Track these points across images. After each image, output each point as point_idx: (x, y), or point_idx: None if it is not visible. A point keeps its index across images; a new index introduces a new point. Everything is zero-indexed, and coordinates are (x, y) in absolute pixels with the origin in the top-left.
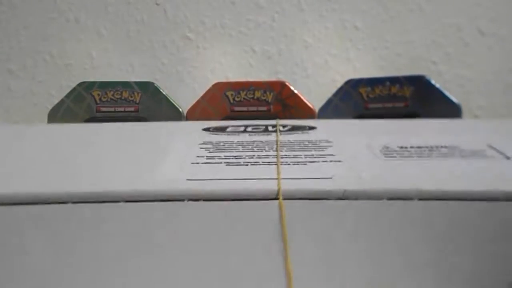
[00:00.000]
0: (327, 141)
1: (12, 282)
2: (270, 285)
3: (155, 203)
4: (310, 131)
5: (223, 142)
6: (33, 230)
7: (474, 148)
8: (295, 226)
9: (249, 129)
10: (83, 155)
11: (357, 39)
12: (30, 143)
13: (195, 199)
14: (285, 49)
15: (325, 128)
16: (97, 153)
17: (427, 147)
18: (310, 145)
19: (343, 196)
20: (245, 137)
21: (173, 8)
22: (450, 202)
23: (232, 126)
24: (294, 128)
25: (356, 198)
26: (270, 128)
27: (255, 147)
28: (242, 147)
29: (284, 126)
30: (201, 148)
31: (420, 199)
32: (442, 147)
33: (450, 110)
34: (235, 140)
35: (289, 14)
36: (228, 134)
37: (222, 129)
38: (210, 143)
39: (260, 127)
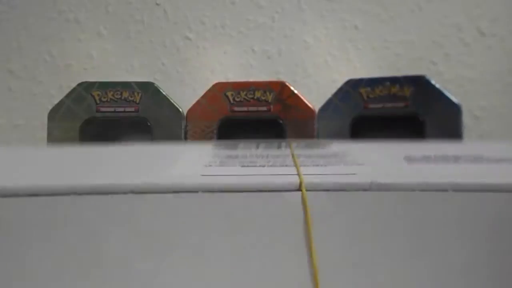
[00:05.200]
0: (345, 152)
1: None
2: (296, 277)
3: (176, 194)
4: (326, 146)
5: (235, 154)
6: (39, 222)
7: (503, 156)
8: (319, 219)
9: (261, 144)
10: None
11: (357, 39)
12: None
13: (213, 190)
14: (285, 49)
15: (341, 144)
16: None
17: (452, 156)
18: (328, 154)
19: (370, 188)
20: (259, 151)
21: (173, 8)
22: (488, 194)
23: (243, 142)
24: (308, 145)
25: (385, 190)
26: (283, 144)
27: (270, 156)
28: (257, 157)
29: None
30: (213, 157)
31: (455, 190)
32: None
33: (450, 110)
34: (248, 154)
35: (289, 14)
36: (240, 148)
37: (233, 145)
38: (224, 154)
39: (273, 143)
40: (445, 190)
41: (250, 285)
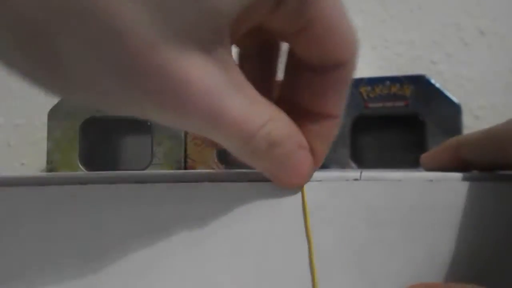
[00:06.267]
0: None
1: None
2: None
3: (178, 183)
4: None
5: None
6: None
7: None
8: (314, 206)
9: None
10: None
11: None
12: None
13: (215, 180)
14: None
15: None
16: None
17: None
18: None
19: (360, 178)
20: None
21: None
22: (467, 183)
23: None
24: None
25: (374, 180)
26: None
27: None
28: None
29: None
30: None
31: (438, 181)
32: None
33: (450, 110)
34: None
35: None
36: None
37: None
38: None
39: None
40: (430, 181)
41: (252, 267)
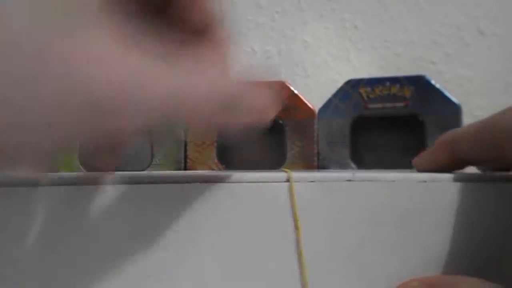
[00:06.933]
0: None
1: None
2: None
3: (175, 184)
4: None
5: None
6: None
7: None
8: (305, 207)
9: None
10: None
11: (357, 39)
12: None
13: (206, 181)
14: (285, 49)
15: None
16: None
17: None
18: None
19: (352, 179)
20: None
21: None
22: (460, 184)
23: None
24: None
25: (366, 180)
26: None
27: None
28: None
29: None
30: None
31: (433, 181)
32: None
33: (450, 110)
34: None
35: (289, 14)
36: None
37: None
38: None
39: None
40: (424, 181)
41: (245, 266)
